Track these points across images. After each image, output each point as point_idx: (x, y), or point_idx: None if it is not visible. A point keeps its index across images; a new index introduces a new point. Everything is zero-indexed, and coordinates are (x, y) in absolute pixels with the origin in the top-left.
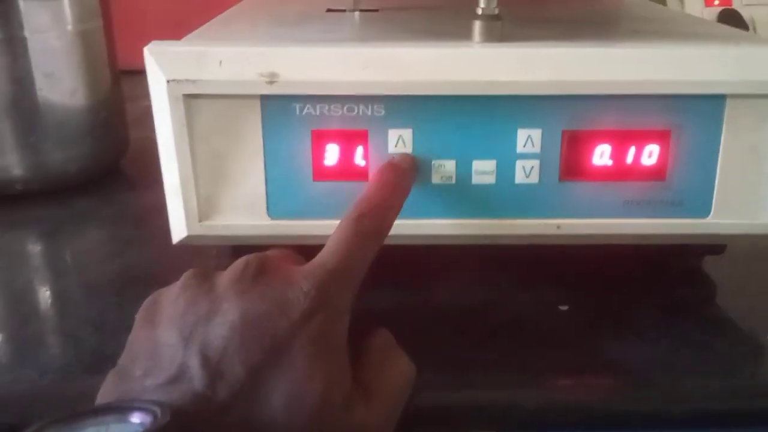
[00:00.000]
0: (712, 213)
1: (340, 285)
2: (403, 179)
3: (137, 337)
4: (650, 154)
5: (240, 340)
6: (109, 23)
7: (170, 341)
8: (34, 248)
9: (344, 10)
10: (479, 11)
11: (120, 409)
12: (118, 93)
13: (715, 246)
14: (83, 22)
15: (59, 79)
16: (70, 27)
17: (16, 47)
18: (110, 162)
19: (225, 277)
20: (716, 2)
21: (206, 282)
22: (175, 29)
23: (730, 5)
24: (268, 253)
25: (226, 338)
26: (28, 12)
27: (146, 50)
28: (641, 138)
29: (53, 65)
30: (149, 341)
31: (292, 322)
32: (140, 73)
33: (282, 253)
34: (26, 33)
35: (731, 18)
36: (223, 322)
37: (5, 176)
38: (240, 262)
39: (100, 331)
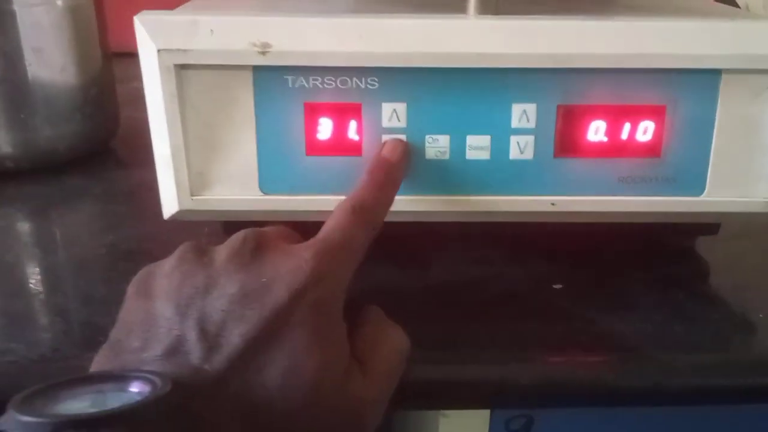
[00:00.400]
0: (706, 190)
1: (340, 259)
2: (393, 174)
3: (131, 310)
4: (645, 131)
5: (239, 312)
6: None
7: (167, 314)
8: (25, 225)
9: None
10: None
11: (119, 377)
12: (109, 71)
13: (709, 225)
14: None
15: (48, 55)
16: (59, 1)
17: (5, 21)
18: (101, 140)
19: (222, 252)
20: None
21: (203, 255)
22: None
23: None
24: (266, 229)
25: (225, 312)
26: None
27: (136, 19)
28: (636, 113)
29: (42, 40)
30: (144, 313)
31: (292, 293)
32: (132, 55)
33: (279, 230)
34: (15, 6)
35: (726, 3)
36: (222, 295)
37: None
38: (238, 237)
39: (90, 306)
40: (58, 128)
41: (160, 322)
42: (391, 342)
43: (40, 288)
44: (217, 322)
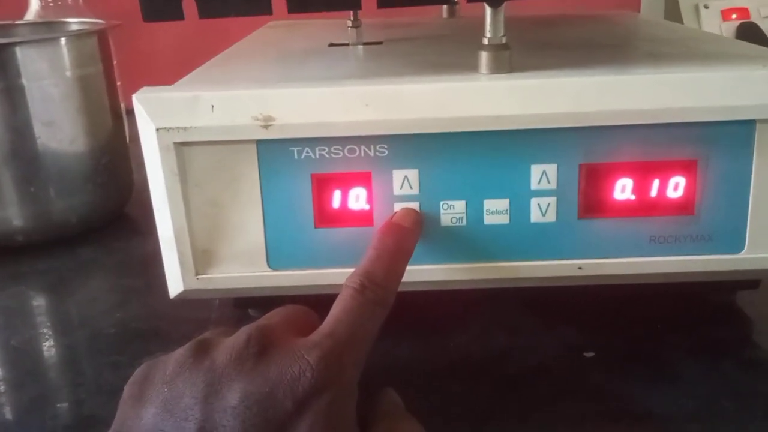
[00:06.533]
0: (745, 247)
1: (348, 356)
2: (405, 242)
3: (127, 417)
4: (676, 187)
5: (241, 427)
6: (110, 66)
7: (164, 427)
8: (34, 305)
9: (347, 44)
10: (485, 41)
11: None
12: (121, 137)
13: (748, 280)
14: (82, 67)
15: (59, 127)
16: (68, 73)
17: (14, 95)
18: (114, 208)
19: (225, 354)
20: (734, 16)
21: (205, 359)
22: (183, 68)
23: (749, 18)
24: (273, 320)
25: (226, 427)
26: (25, 59)
27: (135, 97)
28: (665, 169)
29: (52, 113)
30: (141, 424)
31: (297, 402)
32: None
33: (288, 317)
34: (24, 80)
35: (750, 31)
36: (223, 408)
37: (5, 228)
38: (241, 337)
39: (96, 396)
40: (69, 200)
41: None
42: None
43: (45, 376)
44: None
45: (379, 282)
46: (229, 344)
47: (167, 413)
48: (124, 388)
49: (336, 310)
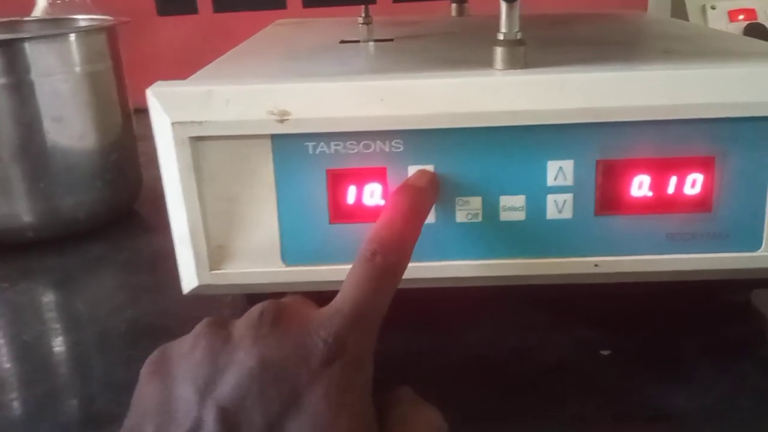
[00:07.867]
0: (763, 245)
1: (357, 332)
2: (419, 202)
3: (145, 393)
4: (693, 184)
5: (258, 389)
6: (119, 63)
7: (185, 395)
8: (44, 300)
9: (358, 41)
10: (500, 36)
11: None
12: (130, 134)
13: (765, 279)
14: (91, 63)
15: (68, 123)
16: (78, 69)
17: (24, 91)
18: (123, 205)
19: (241, 325)
20: (741, 17)
21: (221, 330)
22: (187, 68)
23: (755, 19)
24: (284, 299)
25: (243, 388)
26: (34, 55)
27: (149, 91)
28: (683, 166)
29: (61, 108)
30: (160, 395)
31: (311, 370)
32: None
33: (297, 300)
34: (33, 76)
35: (757, 32)
36: (240, 372)
37: (15, 224)
38: (255, 310)
39: (108, 392)
40: (78, 196)
41: (177, 405)
42: (425, 420)
43: (57, 372)
44: (236, 400)
45: (391, 246)
46: (244, 317)
47: (187, 382)
48: (141, 371)
49: (346, 285)
